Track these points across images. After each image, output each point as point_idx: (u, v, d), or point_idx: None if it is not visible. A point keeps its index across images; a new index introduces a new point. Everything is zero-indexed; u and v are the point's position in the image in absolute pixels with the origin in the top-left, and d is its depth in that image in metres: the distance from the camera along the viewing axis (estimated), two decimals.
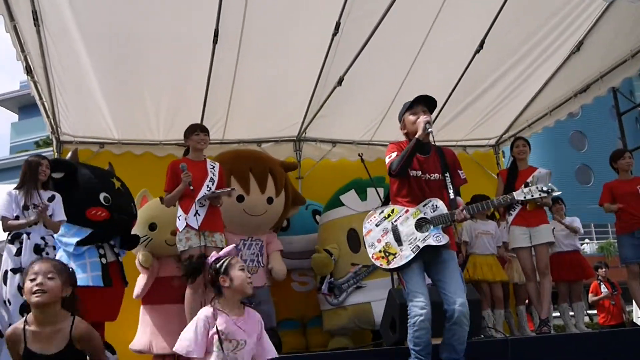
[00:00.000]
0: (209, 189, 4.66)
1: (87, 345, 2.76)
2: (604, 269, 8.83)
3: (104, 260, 4.68)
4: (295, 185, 6.57)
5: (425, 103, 3.86)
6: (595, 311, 9.41)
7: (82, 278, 4.40)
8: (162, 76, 5.71)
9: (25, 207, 4.27)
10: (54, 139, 6.29)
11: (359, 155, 5.91)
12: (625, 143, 8.50)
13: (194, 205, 4.53)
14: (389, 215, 3.77)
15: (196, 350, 2.79)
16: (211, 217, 4.63)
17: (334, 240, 5.76)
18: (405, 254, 3.63)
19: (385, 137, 7.28)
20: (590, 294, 8.97)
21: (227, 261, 2.97)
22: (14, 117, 36.31)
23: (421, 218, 3.70)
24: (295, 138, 7.13)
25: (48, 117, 5.93)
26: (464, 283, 3.91)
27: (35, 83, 5.40)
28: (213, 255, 3.03)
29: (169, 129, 6.39)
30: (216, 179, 4.79)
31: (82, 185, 4.80)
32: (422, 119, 3.71)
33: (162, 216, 5.39)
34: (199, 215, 4.54)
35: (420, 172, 3.77)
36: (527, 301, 6.35)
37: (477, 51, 6.11)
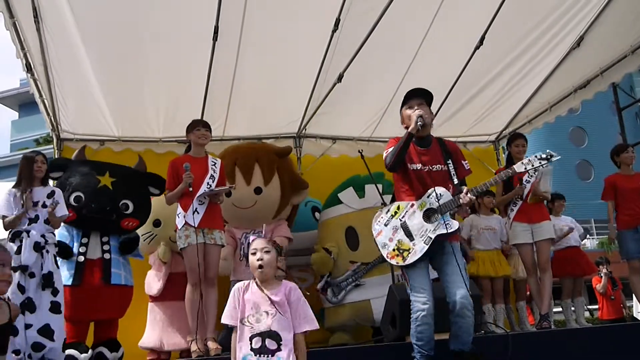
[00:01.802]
0: (209, 186, 4.65)
1: None
2: (604, 265, 8.82)
3: (80, 258, 4.69)
4: None
5: (423, 96, 3.88)
6: (596, 306, 9.42)
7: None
8: (161, 73, 5.70)
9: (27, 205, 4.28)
10: (54, 137, 6.29)
11: (359, 151, 5.90)
12: (625, 138, 8.46)
13: (192, 203, 4.53)
14: (395, 213, 3.77)
15: (230, 318, 2.87)
16: (210, 214, 4.63)
17: (332, 239, 5.78)
18: (418, 248, 3.65)
19: (385, 134, 7.27)
20: (595, 287, 8.96)
21: (246, 246, 3.04)
22: (14, 114, 36.29)
23: (428, 209, 3.71)
24: (295, 134, 7.14)
25: (48, 114, 5.93)
26: (467, 276, 3.92)
27: (35, 80, 5.39)
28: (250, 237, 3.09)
29: (169, 126, 6.39)
30: (217, 175, 4.77)
31: (60, 186, 4.81)
32: (415, 112, 3.73)
33: (166, 213, 5.37)
34: (198, 213, 4.53)
35: (420, 165, 3.78)
36: (528, 294, 6.36)
37: (477, 47, 6.09)
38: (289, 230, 5.75)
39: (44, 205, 4.36)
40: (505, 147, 5.78)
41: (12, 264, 4.08)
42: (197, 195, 4.57)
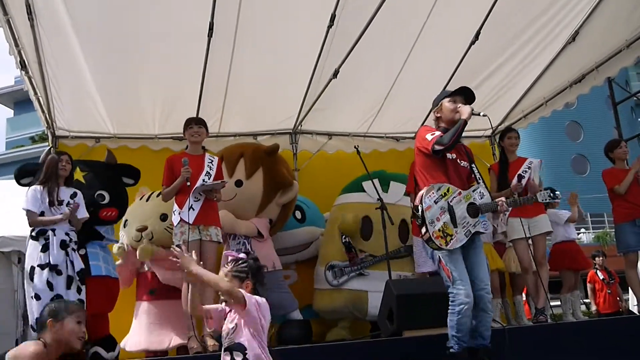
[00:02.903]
0: (203, 182, 4.65)
1: None
2: (601, 258, 8.88)
3: None
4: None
5: (467, 97, 4.02)
6: (591, 301, 9.45)
7: None
8: (157, 70, 5.69)
9: (51, 204, 4.31)
10: (49, 134, 6.27)
11: (355, 147, 5.91)
12: (621, 133, 8.50)
13: (188, 199, 4.53)
14: (445, 194, 3.79)
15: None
16: (206, 211, 4.63)
17: None
18: (460, 237, 3.71)
19: (381, 130, 7.30)
20: (588, 284, 9.02)
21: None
22: (9, 112, 36.19)
23: (471, 203, 3.80)
24: (291, 131, 7.13)
25: (43, 112, 5.91)
26: (489, 270, 4.03)
27: (29, 78, 5.37)
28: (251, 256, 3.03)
29: (165, 123, 6.39)
30: (213, 173, 4.78)
31: None
32: (468, 106, 3.90)
33: (131, 214, 5.44)
34: (193, 209, 4.54)
35: (455, 156, 3.93)
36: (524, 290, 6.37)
37: (473, 42, 6.10)
38: (267, 227, 5.61)
39: (69, 205, 4.40)
40: (499, 142, 5.77)
41: (39, 262, 4.14)
42: (192, 191, 4.56)
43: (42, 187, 4.35)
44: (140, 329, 5.41)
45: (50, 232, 4.24)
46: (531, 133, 22.56)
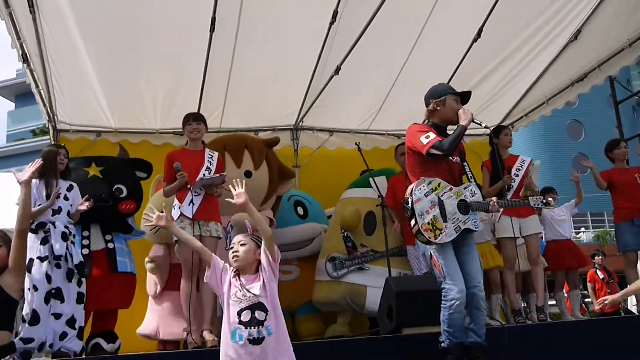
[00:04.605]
0: (203, 176, 4.64)
1: None
2: (600, 257, 8.88)
3: (85, 251, 4.70)
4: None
5: (462, 98, 3.98)
6: (591, 299, 9.46)
7: None
8: (159, 65, 5.69)
9: (48, 197, 4.31)
10: (50, 127, 6.27)
11: (356, 144, 5.90)
12: (622, 132, 8.48)
13: (188, 194, 4.53)
14: (435, 188, 3.77)
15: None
16: (206, 206, 4.62)
17: None
18: (449, 232, 3.69)
19: (382, 127, 7.30)
20: (588, 283, 9.03)
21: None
22: (11, 105, 36.19)
23: (462, 200, 3.78)
24: (292, 127, 7.13)
25: (44, 105, 5.92)
26: (481, 267, 4.02)
27: (31, 71, 5.37)
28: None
29: (166, 118, 6.39)
30: (213, 167, 4.77)
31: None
32: (470, 112, 3.83)
33: (170, 203, 5.39)
34: (194, 204, 4.53)
35: None
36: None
37: (475, 40, 6.10)
38: (273, 215, 5.70)
39: (66, 198, 4.42)
40: (492, 140, 5.71)
41: (39, 254, 4.14)
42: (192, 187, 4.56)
43: (39, 181, 4.33)
44: (181, 318, 5.29)
45: (50, 225, 4.24)
46: (532, 132, 22.57)
